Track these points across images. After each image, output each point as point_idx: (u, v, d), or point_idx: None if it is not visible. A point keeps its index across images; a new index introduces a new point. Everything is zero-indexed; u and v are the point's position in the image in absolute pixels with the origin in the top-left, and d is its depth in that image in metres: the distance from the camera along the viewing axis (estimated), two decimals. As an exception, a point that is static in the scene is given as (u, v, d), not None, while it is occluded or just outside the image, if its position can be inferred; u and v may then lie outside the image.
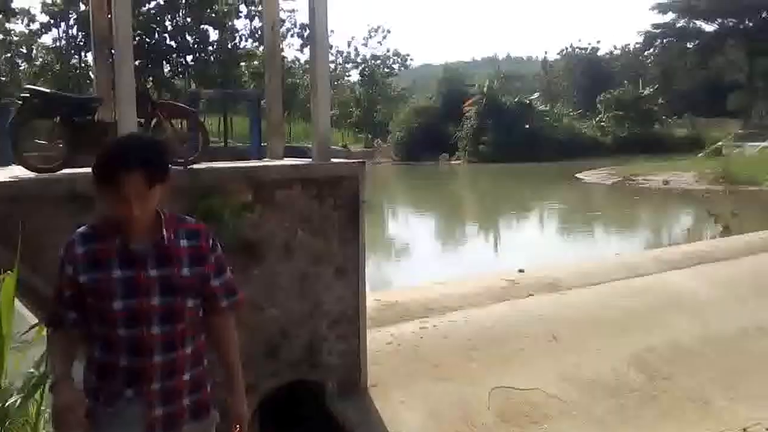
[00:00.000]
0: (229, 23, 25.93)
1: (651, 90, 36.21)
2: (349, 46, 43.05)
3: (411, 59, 44.76)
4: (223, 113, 16.18)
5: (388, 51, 42.87)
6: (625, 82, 38.86)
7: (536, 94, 39.98)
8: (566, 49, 51.13)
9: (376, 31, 43.69)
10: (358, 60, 44.00)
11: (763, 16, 37.91)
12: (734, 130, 26.18)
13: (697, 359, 3.30)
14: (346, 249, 2.47)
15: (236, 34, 26.84)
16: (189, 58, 25.57)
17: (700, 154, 16.85)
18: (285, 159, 2.71)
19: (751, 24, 38.45)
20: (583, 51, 50.65)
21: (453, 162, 34.44)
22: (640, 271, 4.24)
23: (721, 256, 4.46)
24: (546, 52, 78.60)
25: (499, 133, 31.54)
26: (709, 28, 40.30)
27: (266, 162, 2.51)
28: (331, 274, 2.48)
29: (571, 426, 2.75)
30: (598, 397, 2.95)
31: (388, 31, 43.11)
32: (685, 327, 3.54)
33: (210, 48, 26.11)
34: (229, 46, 26.20)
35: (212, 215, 2.17)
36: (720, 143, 19.80)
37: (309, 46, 2.36)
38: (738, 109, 35.89)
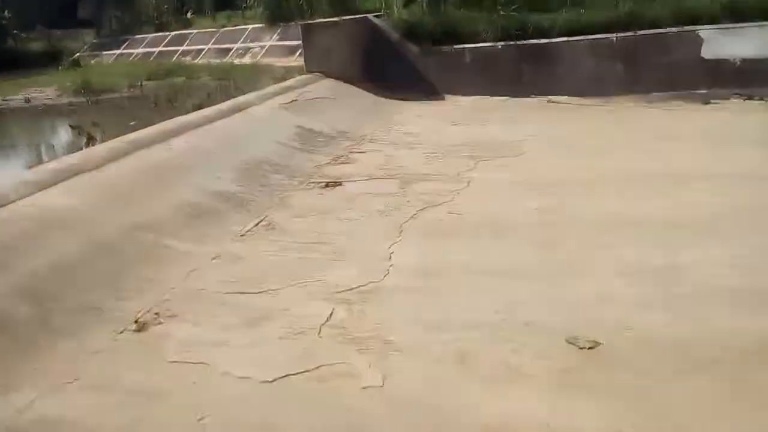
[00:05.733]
0: None
1: (-7, 2, 32.99)
2: None
3: None
4: None
5: None
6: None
7: None
8: None
9: None
10: None
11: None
12: (90, 40, 26.28)
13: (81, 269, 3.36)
14: None
15: None
16: None
17: (60, 68, 16.49)
18: None
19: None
20: None
21: None
22: (12, 197, 3.98)
23: (89, 167, 4.54)
24: None
25: None
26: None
27: None
28: None
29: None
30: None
31: None
32: (60, 245, 3.54)
33: None
34: None
35: None
36: (77, 55, 19.71)
37: None
38: (91, 19, 36.08)
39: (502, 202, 4.64)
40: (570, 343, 2.70)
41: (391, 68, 9.30)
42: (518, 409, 2.28)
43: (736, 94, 7.78)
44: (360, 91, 8.95)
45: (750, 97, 7.66)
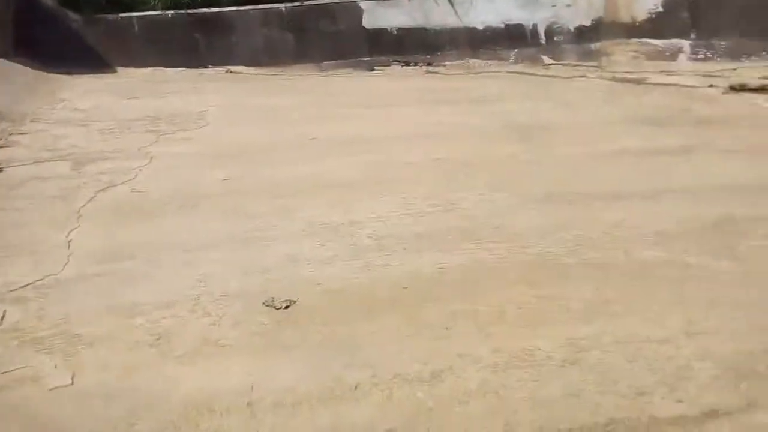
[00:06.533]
0: None
1: None
2: None
3: None
4: None
5: None
6: None
7: None
8: None
9: None
10: None
11: None
12: None
13: None
14: None
15: None
16: None
17: None
18: None
19: None
20: None
21: None
22: None
23: None
24: None
25: None
26: None
27: None
28: None
29: None
30: None
31: None
32: None
33: None
34: None
35: None
36: None
37: None
38: None
39: (189, 175, 4.53)
40: (267, 305, 2.78)
41: (51, 40, 8.36)
42: (221, 380, 2.29)
43: (396, 61, 8.62)
44: (14, 65, 7.90)
45: (407, 63, 8.57)
